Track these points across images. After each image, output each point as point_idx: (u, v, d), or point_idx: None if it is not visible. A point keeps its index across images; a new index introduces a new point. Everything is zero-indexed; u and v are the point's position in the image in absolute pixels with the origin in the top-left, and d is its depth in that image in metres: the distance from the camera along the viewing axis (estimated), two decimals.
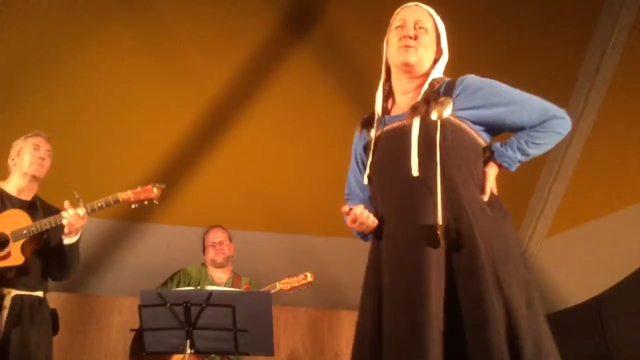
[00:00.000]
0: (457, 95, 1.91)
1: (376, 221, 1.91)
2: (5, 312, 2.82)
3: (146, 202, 2.94)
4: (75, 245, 2.95)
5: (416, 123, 1.89)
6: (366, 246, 2.12)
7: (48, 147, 3.12)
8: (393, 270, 1.82)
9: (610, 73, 4.46)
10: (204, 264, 3.99)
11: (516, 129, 1.94)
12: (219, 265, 3.93)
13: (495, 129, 1.96)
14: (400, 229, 1.85)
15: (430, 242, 1.75)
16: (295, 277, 3.59)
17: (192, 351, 2.84)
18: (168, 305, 2.78)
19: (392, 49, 2.02)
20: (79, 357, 4.38)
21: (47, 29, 4.01)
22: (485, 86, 1.94)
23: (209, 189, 4.62)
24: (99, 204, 2.87)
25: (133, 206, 2.93)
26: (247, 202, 4.68)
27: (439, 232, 1.74)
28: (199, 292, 3.01)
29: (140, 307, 2.84)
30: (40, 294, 2.99)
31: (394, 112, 2.04)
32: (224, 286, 3.83)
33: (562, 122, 1.94)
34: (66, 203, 2.84)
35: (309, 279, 3.60)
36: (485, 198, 1.88)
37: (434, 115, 1.84)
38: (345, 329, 4.81)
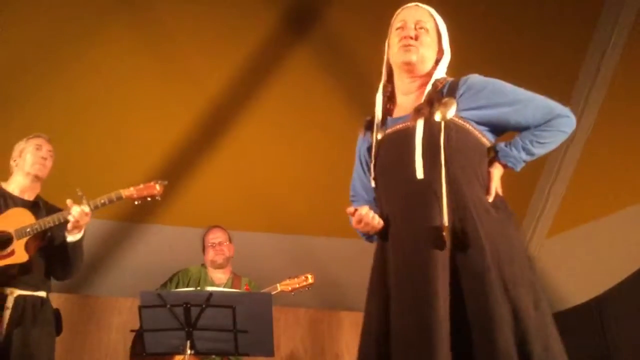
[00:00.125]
0: (461, 95, 1.91)
1: (381, 222, 1.90)
2: (8, 313, 2.81)
3: (149, 199, 2.95)
4: (78, 243, 2.95)
5: (420, 125, 1.88)
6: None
7: (50, 147, 3.13)
8: (399, 271, 1.82)
9: (610, 73, 4.46)
10: (203, 265, 3.99)
11: (520, 129, 1.94)
12: (219, 266, 3.93)
13: (499, 129, 1.95)
14: (406, 230, 1.85)
15: (436, 243, 1.75)
16: (296, 279, 3.59)
17: (192, 352, 2.84)
18: (168, 306, 2.79)
19: (393, 50, 2.02)
20: (79, 358, 4.37)
21: (47, 29, 4.01)
22: (489, 86, 1.93)
23: (209, 189, 4.62)
24: (102, 201, 2.88)
25: (136, 202, 2.94)
26: (246, 203, 4.68)
27: (445, 234, 1.74)
28: (199, 293, 3.01)
29: (140, 308, 2.84)
30: (43, 294, 2.99)
31: (396, 114, 2.03)
32: (224, 287, 3.82)
33: (566, 121, 1.93)
34: (68, 201, 2.85)
35: (310, 280, 3.59)
36: (490, 199, 1.88)
37: (437, 117, 1.84)
38: (345, 330, 4.81)
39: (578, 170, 4.69)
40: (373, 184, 2.02)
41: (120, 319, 4.52)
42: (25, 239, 2.86)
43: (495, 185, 1.91)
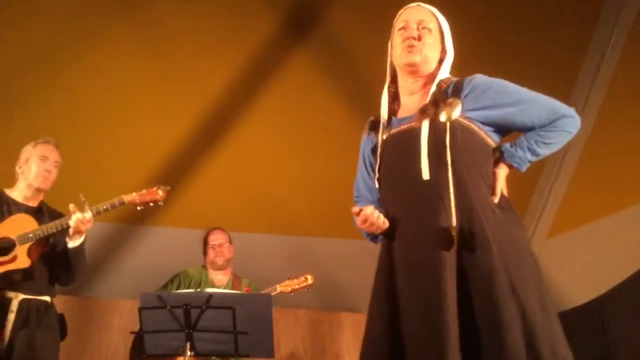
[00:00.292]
0: (466, 95, 1.90)
1: (387, 222, 1.89)
2: (12, 316, 2.81)
3: (151, 204, 2.94)
4: (80, 249, 2.94)
5: (425, 125, 1.88)
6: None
7: (56, 157, 3.09)
8: (407, 272, 1.81)
9: (610, 73, 4.46)
10: (204, 266, 3.99)
11: (526, 129, 1.93)
12: (219, 268, 3.92)
13: (504, 129, 1.95)
14: (412, 230, 1.84)
15: (444, 244, 1.74)
16: (295, 280, 3.58)
17: (192, 353, 2.84)
18: (168, 307, 2.78)
19: (396, 51, 2.01)
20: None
21: (47, 29, 4.01)
22: (494, 86, 1.93)
23: (209, 191, 4.62)
24: (104, 207, 2.87)
25: (138, 208, 2.93)
26: (247, 204, 4.68)
27: (454, 234, 1.73)
28: (199, 295, 3.00)
29: (140, 309, 2.84)
30: (47, 298, 2.98)
31: (400, 114, 2.03)
32: (224, 288, 3.82)
33: (571, 121, 1.93)
34: (71, 206, 2.82)
35: (309, 281, 3.59)
36: (496, 199, 1.87)
37: (443, 117, 1.83)
38: (345, 331, 4.80)
39: (578, 171, 4.68)
40: (377, 185, 2.01)
41: (120, 321, 4.52)
42: (27, 245, 2.85)
43: (501, 186, 1.90)
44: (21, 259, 2.84)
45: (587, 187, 4.63)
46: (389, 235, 1.91)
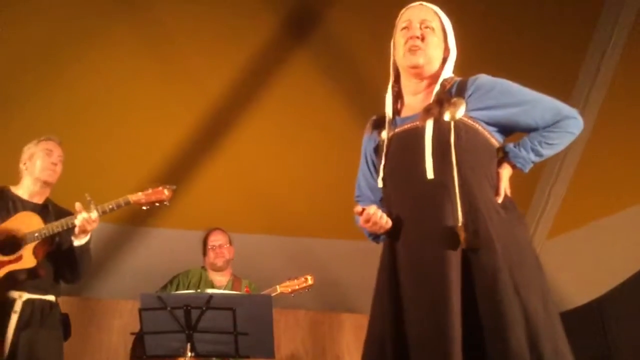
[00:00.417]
0: (470, 95, 1.90)
1: (390, 222, 1.89)
2: (16, 317, 2.80)
3: (157, 204, 2.93)
4: (85, 247, 2.94)
5: (429, 125, 1.88)
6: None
7: (60, 152, 3.10)
8: (412, 271, 1.81)
9: (610, 73, 4.45)
10: (204, 267, 3.98)
11: (529, 130, 1.93)
12: (219, 269, 3.92)
13: (508, 130, 1.95)
14: (416, 230, 1.84)
15: (449, 243, 1.74)
16: (295, 280, 3.59)
17: (193, 354, 2.83)
18: (168, 308, 2.78)
19: (399, 52, 2.00)
20: None
21: (47, 29, 4.00)
22: (498, 86, 1.93)
23: (209, 191, 4.62)
24: (110, 206, 2.86)
25: (144, 208, 2.93)
26: (247, 205, 4.67)
27: (460, 234, 1.73)
28: (199, 295, 3.00)
29: (140, 310, 2.83)
30: (52, 298, 2.98)
31: (404, 114, 2.02)
32: (224, 289, 3.82)
33: (574, 122, 1.93)
34: (77, 205, 2.82)
35: (310, 282, 3.60)
36: (500, 200, 1.87)
37: (447, 117, 1.83)
38: (346, 332, 4.80)
39: (578, 171, 4.68)
40: (381, 184, 2.00)
41: (121, 322, 4.51)
42: (33, 244, 2.84)
43: (505, 186, 1.90)
44: (27, 259, 2.82)
45: (588, 188, 4.63)
46: (392, 234, 1.90)
